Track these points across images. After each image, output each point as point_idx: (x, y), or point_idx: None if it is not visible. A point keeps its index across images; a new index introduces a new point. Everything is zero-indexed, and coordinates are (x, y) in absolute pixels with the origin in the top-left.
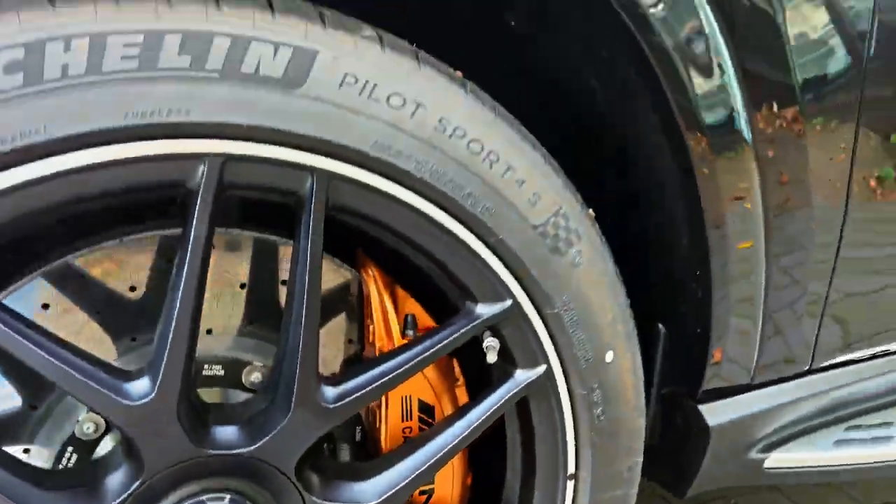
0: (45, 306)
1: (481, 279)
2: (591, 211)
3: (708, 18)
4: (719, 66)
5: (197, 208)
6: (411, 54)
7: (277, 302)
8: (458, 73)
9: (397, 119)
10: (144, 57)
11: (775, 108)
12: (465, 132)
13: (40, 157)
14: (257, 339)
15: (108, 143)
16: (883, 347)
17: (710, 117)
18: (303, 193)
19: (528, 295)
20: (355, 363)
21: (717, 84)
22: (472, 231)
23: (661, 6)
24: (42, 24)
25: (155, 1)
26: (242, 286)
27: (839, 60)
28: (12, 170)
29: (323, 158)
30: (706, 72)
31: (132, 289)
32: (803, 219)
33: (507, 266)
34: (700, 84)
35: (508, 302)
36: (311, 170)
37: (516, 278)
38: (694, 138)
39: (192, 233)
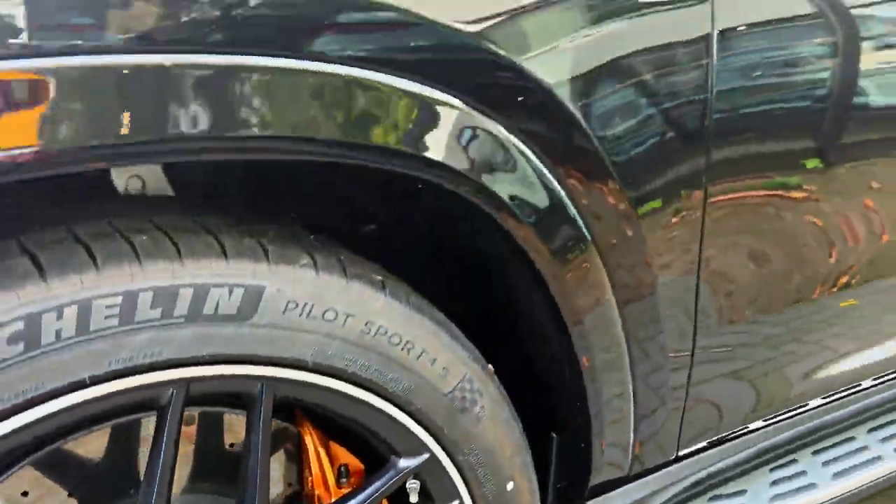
0: (25, 493)
1: (403, 439)
2: (490, 367)
3: (521, 149)
4: (543, 181)
5: (168, 420)
6: (340, 272)
7: (225, 455)
8: (378, 278)
9: (331, 330)
10: (123, 314)
11: (605, 201)
12: (387, 330)
13: (35, 405)
14: (209, 494)
15: (93, 385)
16: (745, 427)
17: (541, 223)
18: (254, 394)
19: (442, 447)
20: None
21: (545, 198)
22: (394, 404)
23: (470, 154)
24: (37, 298)
25: (129, 265)
26: (194, 450)
27: (664, 147)
28: (12, 418)
29: (271, 369)
30: (533, 191)
31: (97, 465)
32: (657, 306)
33: (423, 427)
34: (529, 195)
35: (426, 455)
36: (261, 378)
37: (432, 436)
38: (535, 246)
39: (164, 440)
